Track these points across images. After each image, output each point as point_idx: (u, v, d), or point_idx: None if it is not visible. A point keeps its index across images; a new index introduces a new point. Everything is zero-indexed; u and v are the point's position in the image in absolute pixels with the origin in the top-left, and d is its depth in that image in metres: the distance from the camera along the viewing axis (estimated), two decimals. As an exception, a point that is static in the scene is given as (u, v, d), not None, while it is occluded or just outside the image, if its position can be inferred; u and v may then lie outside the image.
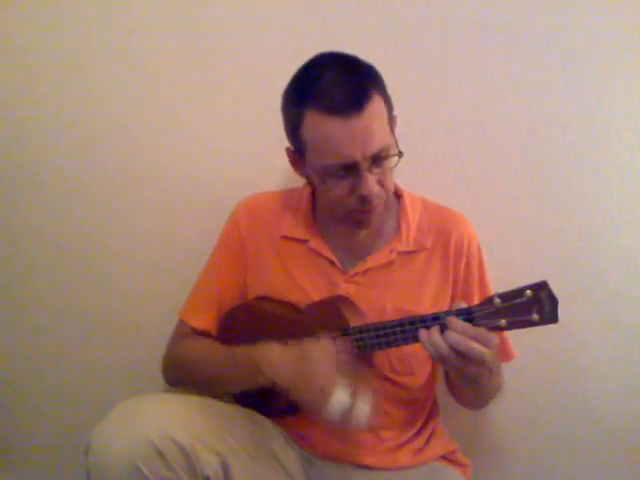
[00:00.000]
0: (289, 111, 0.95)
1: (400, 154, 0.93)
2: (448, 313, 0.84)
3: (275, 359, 0.91)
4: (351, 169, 0.90)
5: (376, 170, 0.91)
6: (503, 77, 1.18)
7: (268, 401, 1.00)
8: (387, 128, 0.92)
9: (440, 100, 1.21)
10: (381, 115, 0.91)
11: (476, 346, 0.79)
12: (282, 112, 0.98)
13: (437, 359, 0.83)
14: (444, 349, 0.81)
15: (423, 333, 0.84)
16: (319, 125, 0.88)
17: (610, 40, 1.15)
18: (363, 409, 0.85)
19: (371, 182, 0.90)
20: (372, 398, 0.87)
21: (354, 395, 0.85)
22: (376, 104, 0.89)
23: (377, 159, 0.90)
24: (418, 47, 1.20)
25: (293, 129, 0.94)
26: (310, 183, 1.01)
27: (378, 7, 1.19)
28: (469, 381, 0.86)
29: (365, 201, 0.92)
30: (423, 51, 1.19)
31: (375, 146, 0.88)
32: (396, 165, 0.94)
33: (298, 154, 0.97)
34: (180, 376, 1.08)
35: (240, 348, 0.96)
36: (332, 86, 0.88)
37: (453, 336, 0.80)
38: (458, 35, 1.18)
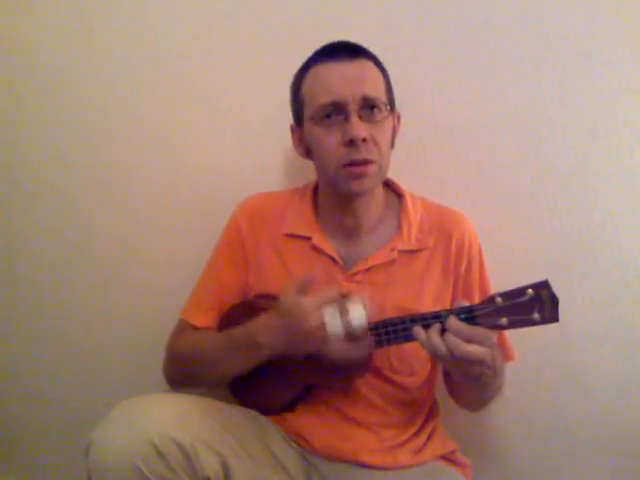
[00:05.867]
0: (294, 82, 1.02)
1: (392, 112, 0.98)
2: (449, 312, 0.84)
3: (266, 325, 0.93)
4: (341, 111, 0.94)
5: (366, 118, 0.94)
6: (503, 77, 1.18)
7: (270, 395, 1.01)
8: (381, 89, 0.97)
9: (440, 100, 1.20)
10: (374, 74, 0.97)
11: (473, 349, 0.81)
12: (290, 90, 1.03)
13: (437, 358, 0.84)
14: (442, 350, 0.82)
15: (420, 333, 0.84)
16: (315, 73, 0.97)
17: (611, 40, 1.15)
18: (357, 309, 0.88)
19: (359, 125, 0.93)
20: (361, 300, 0.89)
21: (342, 306, 0.88)
22: (370, 65, 0.97)
23: (367, 107, 0.94)
24: (418, 47, 1.20)
25: (295, 95, 1.00)
26: (307, 153, 1.03)
27: (378, 7, 1.19)
28: (472, 379, 0.87)
29: (353, 147, 0.93)
30: (423, 51, 1.20)
31: (365, 89, 0.94)
32: (388, 119, 0.97)
33: (298, 123, 1.02)
34: (180, 369, 1.07)
35: (234, 328, 0.98)
36: (330, 46, 0.98)
37: (450, 340, 0.82)
38: (458, 35, 1.18)
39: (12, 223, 1.33)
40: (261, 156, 1.26)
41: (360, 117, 0.94)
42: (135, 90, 1.27)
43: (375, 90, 0.96)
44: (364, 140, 0.93)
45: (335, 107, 0.94)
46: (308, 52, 0.99)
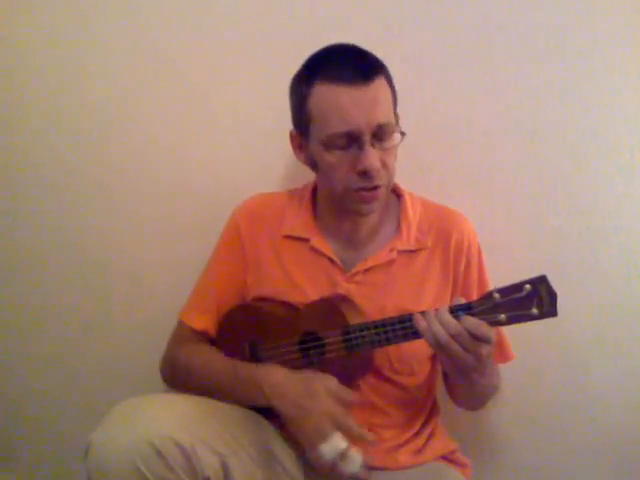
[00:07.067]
0: (296, 88, 0.98)
1: (403, 134, 0.95)
2: (448, 308, 0.84)
3: (279, 384, 0.91)
4: (354, 140, 0.91)
5: (378, 145, 0.92)
6: (503, 77, 1.18)
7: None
8: (391, 110, 0.95)
9: (440, 100, 1.20)
10: (386, 95, 0.94)
11: (488, 331, 0.82)
12: (290, 94, 1.00)
13: (435, 346, 0.84)
14: (442, 335, 0.82)
15: (421, 320, 0.85)
16: (326, 94, 0.91)
17: (610, 40, 1.14)
18: (356, 458, 0.85)
19: (373, 155, 0.91)
20: (363, 452, 0.86)
21: (348, 446, 0.85)
22: (382, 84, 0.93)
23: (380, 134, 0.92)
24: (418, 47, 1.20)
25: (299, 105, 0.96)
26: (312, 166, 1.01)
27: (378, 7, 1.19)
28: (462, 374, 0.88)
29: (366, 177, 0.92)
30: (423, 51, 1.19)
31: (379, 118, 0.91)
32: (399, 143, 0.95)
33: (302, 134, 0.98)
34: (178, 381, 1.07)
35: (243, 364, 0.97)
36: (341, 60, 0.94)
37: (470, 321, 0.82)
38: (458, 35, 1.18)
39: (12, 224, 1.33)
40: (261, 157, 1.26)
41: (373, 145, 0.91)
42: (135, 91, 1.27)
43: (388, 114, 0.93)
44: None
45: (349, 136, 0.91)
46: (308, 51, 0.98)
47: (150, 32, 1.25)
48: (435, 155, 1.22)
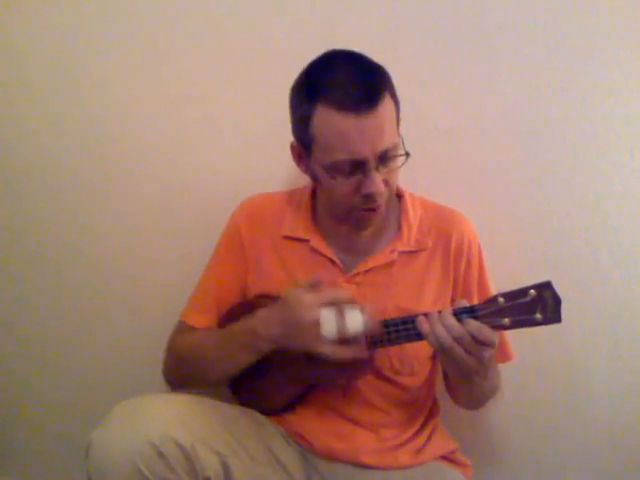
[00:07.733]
0: (298, 104, 0.95)
1: (407, 154, 0.93)
2: (452, 311, 0.84)
3: (266, 316, 0.93)
4: (359, 166, 0.90)
5: (383, 169, 0.91)
6: (503, 77, 1.18)
7: (271, 396, 1.01)
8: (395, 128, 0.94)
9: (440, 100, 1.21)
10: (391, 114, 0.92)
11: (491, 334, 0.82)
12: (290, 105, 0.97)
13: (437, 348, 0.84)
14: (445, 338, 0.82)
15: (424, 323, 0.85)
16: (331, 120, 0.88)
17: (610, 40, 1.15)
18: (355, 315, 0.87)
19: (378, 181, 0.90)
20: (360, 307, 0.89)
21: (340, 310, 0.88)
22: (387, 104, 0.90)
23: (385, 158, 0.91)
24: (418, 47, 1.20)
25: (301, 123, 0.93)
26: (314, 179, 1.01)
27: (380, 7, 1.19)
28: (464, 377, 0.88)
29: (370, 199, 0.92)
30: (423, 51, 1.19)
31: (384, 144, 0.89)
32: (402, 165, 0.94)
33: (304, 149, 0.97)
34: (181, 368, 1.07)
35: (235, 323, 0.98)
36: (345, 83, 0.89)
37: (473, 324, 0.82)
38: (458, 35, 1.18)
39: (12, 224, 1.33)
40: (261, 157, 1.26)
41: (377, 169, 0.90)
42: (134, 91, 1.27)
43: (393, 137, 0.91)
44: None
45: (353, 163, 0.90)
46: (309, 52, 0.96)
47: (150, 33, 1.25)
48: (435, 155, 1.22)
